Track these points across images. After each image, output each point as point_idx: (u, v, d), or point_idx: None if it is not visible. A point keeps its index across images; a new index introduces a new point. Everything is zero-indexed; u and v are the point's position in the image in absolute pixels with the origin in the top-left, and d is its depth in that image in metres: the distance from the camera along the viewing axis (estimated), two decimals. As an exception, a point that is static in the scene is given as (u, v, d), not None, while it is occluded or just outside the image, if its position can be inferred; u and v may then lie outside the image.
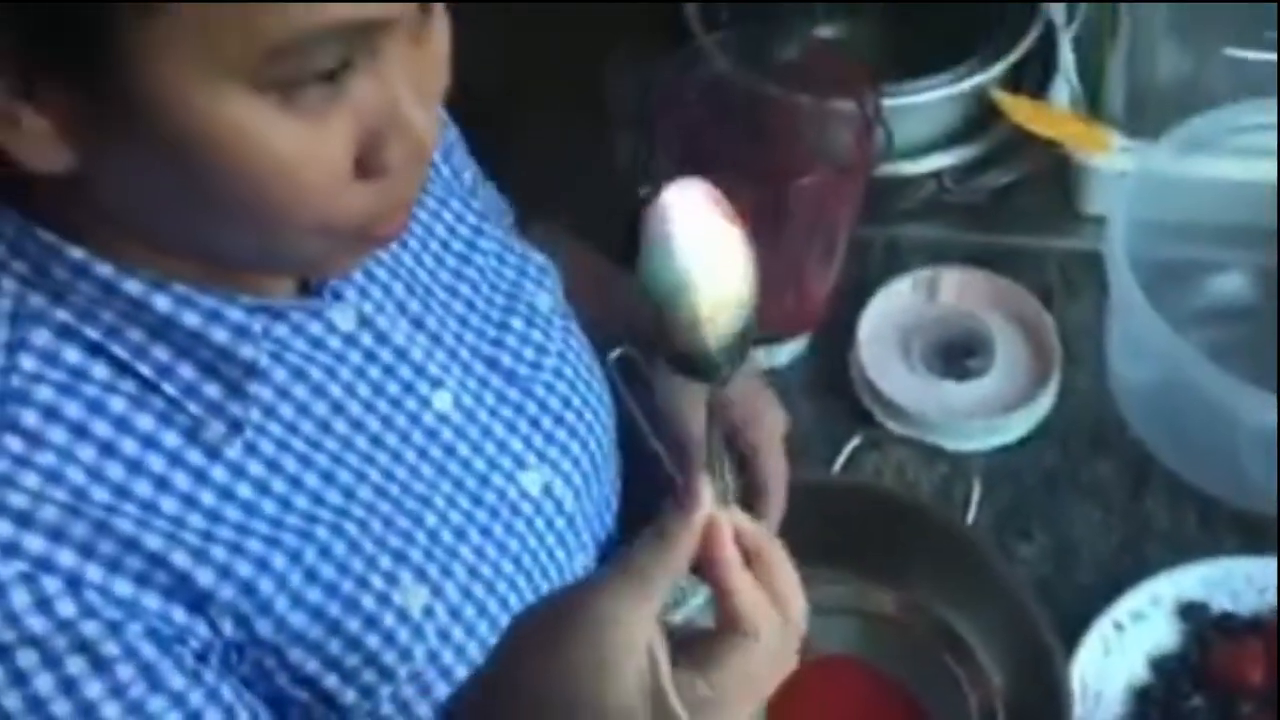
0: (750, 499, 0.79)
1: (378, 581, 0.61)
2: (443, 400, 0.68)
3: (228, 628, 0.57)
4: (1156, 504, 0.93)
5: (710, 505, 0.73)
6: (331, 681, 0.60)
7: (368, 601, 0.60)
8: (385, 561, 0.62)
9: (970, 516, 0.87)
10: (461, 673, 0.64)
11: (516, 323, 0.74)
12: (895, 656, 0.83)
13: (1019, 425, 0.97)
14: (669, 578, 0.52)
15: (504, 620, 0.67)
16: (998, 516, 0.93)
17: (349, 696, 0.60)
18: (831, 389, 1.01)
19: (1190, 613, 0.85)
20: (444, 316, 0.71)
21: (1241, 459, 0.92)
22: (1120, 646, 0.84)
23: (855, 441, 0.90)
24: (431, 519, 0.65)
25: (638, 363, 0.82)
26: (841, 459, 0.90)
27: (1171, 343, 0.84)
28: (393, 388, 0.66)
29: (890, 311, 1.02)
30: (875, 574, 0.83)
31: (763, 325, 0.54)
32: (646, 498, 0.81)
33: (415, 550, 0.63)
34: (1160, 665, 0.84)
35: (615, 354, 0.82)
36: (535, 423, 0.73)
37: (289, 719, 0.61)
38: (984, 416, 0.97)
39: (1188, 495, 0.93)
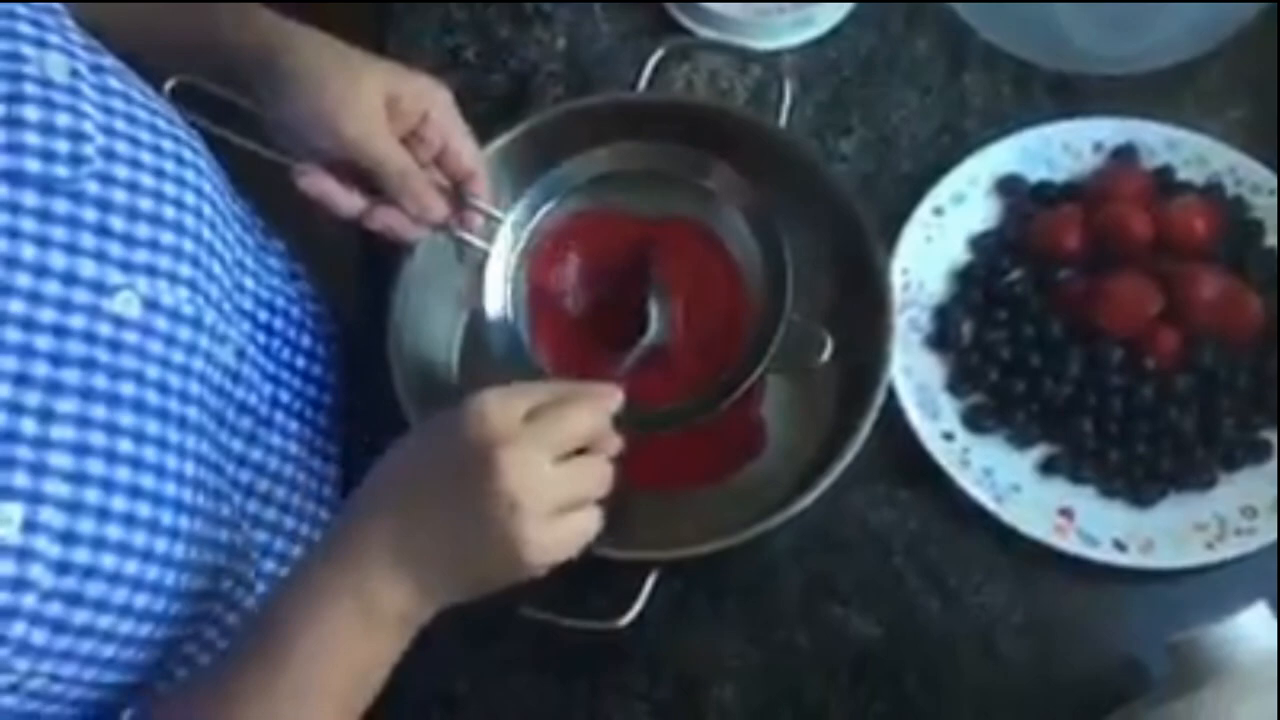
0: (458, 189, 0.74)
1: None
2: None
3: None
4: (974, 79, 0.90)
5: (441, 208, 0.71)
6: None
7: None
8: None
9: (785, 118, 0.83)
10: (110, 560, 0.58)
11: (30, 111, 0.59)
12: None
13: (831, 12, 0.92)
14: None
15: (151, 481, 0.61)
16: (817, 112, 0.90)
17: None
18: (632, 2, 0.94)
19: (1007, 186, 0.84)
20: None
21: (1060, 19, 0.89)
22: (941, 231, 0.83)
23: (660, 52, 0.85)
24: None
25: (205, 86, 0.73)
26: (646, 73, 0.84)
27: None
28: None
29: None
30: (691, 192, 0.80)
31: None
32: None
33: None
34: (979, 243, 0.83)
35: (171, 84, 0.72)
36: (103, 230, 0.61)
37: None
38: (795, 7, 0.91)
39: (1004, 65, 0.90)
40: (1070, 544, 0.75)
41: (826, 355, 0.72)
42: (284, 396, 0.77)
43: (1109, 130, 0.85)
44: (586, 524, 0.61)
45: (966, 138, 0.87)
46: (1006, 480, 0.77)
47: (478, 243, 0.76)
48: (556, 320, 0.78)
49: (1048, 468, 0.77)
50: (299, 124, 0.70)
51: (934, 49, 0.91)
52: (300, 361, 0.80)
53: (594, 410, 0.62)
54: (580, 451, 0.61)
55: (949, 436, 0.78)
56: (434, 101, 0.73)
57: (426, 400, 0.75)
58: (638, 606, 0.70)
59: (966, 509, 0.76)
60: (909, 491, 0.78)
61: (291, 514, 0.76)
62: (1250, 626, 0.63)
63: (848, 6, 0.92)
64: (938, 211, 0.83)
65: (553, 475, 0.59)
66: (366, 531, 0.59)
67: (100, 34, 0.68)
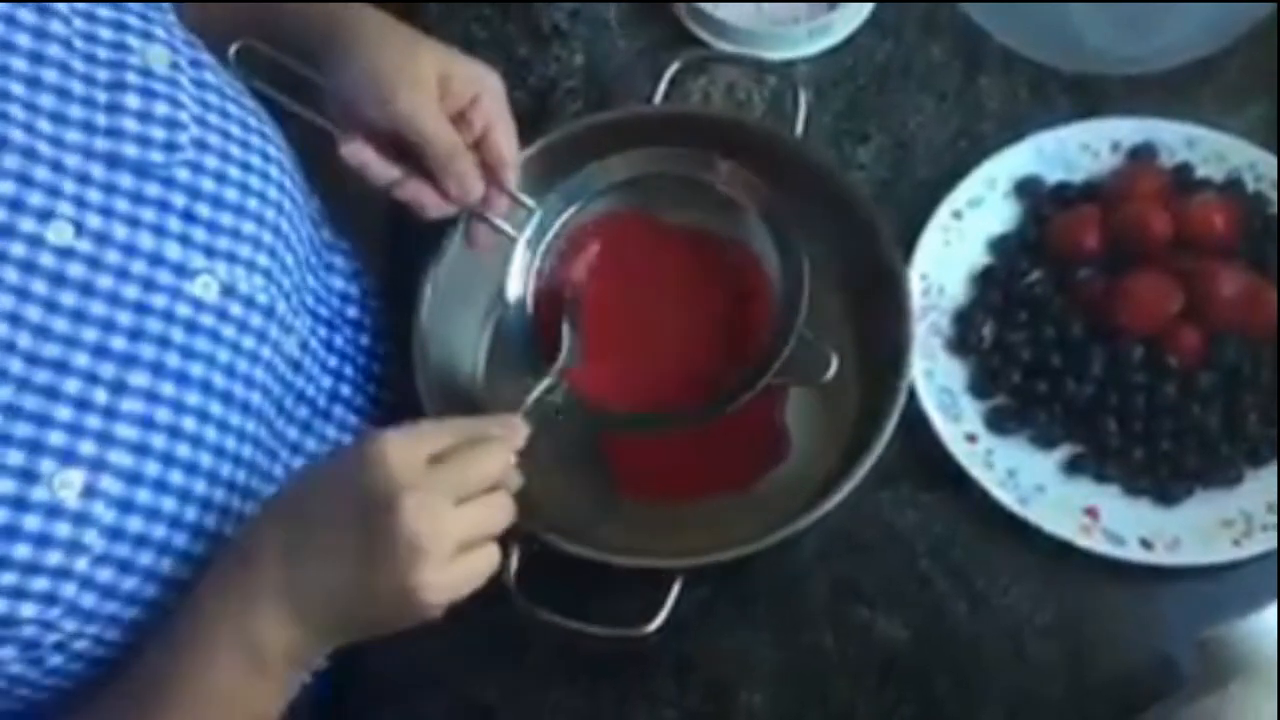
0: (492, 174, 0.74)
1: (6, 485, 0.55)
2: (60, 232, 0.59)
3: None
4: (990, 82, 0.90)
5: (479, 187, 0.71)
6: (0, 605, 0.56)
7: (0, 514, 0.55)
8: (15, 457, 0.56)
9: (802, 127, 0.84)
10: (161, 531, 0.60)
11: (131, 99, 0.63)
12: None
13: (847, 21, 0.93)
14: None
15: (209, 460, 0.62)
16: (835, 120, 0.91)
17: (28, 609, 0.56)
18: (649, 15, 0.95)
19: (1026, 189, 0.84)
20: (31, 120, 0.59)
21: (1074, 20, 0.89)
22: (960, 234, 0.83)
23: (675, 65, 0.85)
24: (74, 384, 0.58)
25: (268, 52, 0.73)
26: (663, 85, 0.85)
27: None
28: None
29: (701, -80, 0.95)
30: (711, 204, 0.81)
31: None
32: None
33: (54, 431, 0.57)
34: (999, 245, 0.83)
35: (235, 48, 0.73)
36: (190, 215, 0.64)
37: None
38: (810, 18, 0.92)
39: (1020, 68, 0.90)
40: (1096, 543, 0.74)
41: (831, 373, 0.71)
42: (344, 390, 0.79)
43: (1126, 130, 0.85)
44: (484, 562, 0.59)
45: (984, 141, 0.88)
46: (1031, 481, 0.77)
47: (506, 228, 0.76)
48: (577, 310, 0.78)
49: (1072, 468, 0.77)
50: (353, 93, 0.71)
51: (949, 54, 0.92)
52: (362, 359, 0.81)
53: (500, 452, 0.61)
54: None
55: (972, 439, 0.78)
56: (485, 87, 0.73)
57: (450, 406, 0.76)
58: (664, 613, 0.70)
59: (991, 510, 0.76)
60: (933, 494, 0.79)
61: None
62: (1273, 623, 0.63)
63: (863, 15, 0.93)
64: (956, 215, 0.84)
65: (455, 518, 0.57)
66: (257, 569, 0.58)
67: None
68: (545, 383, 0.70)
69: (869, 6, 0.93)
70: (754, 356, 0.72)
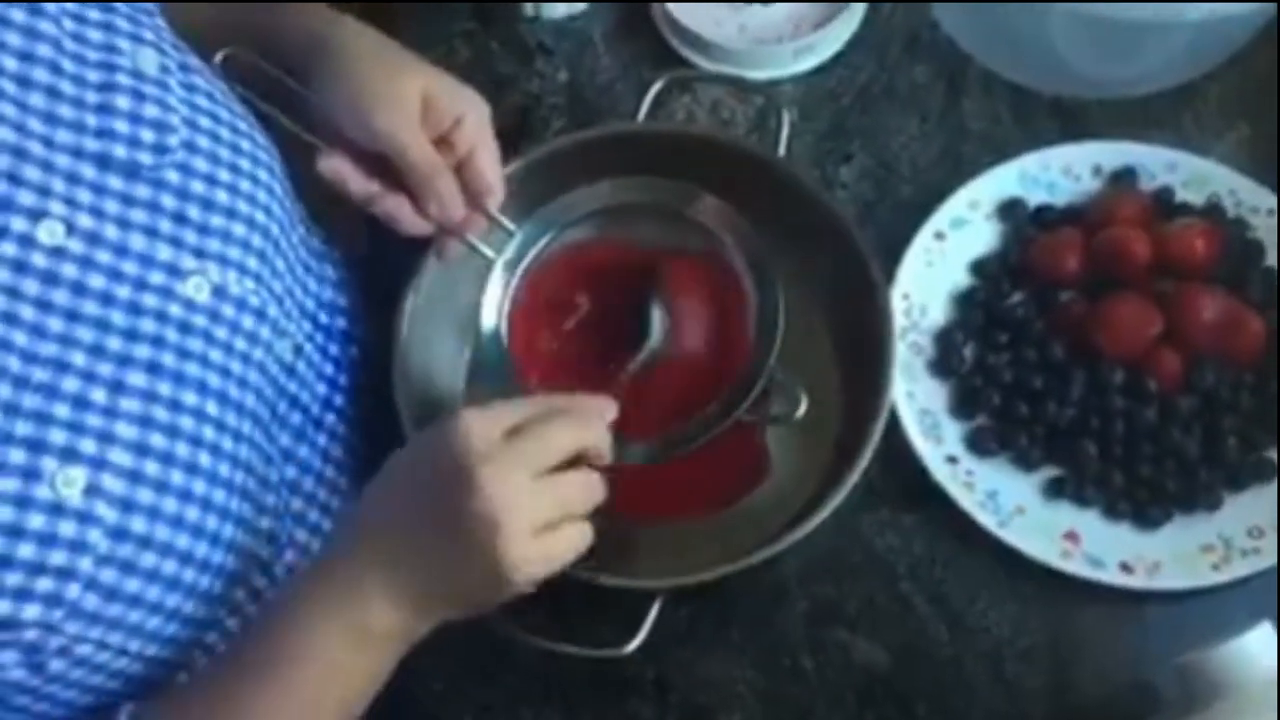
0: (474, 198, 0.74)
1: (9, 483, 0.55)
2: (51, 231, 0.59)
3: None
4: (973, 104, 0.91)
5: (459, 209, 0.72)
6: (2, 607, 0.55)
7: (2, 513, 0.55)
8: (16, 455, 0.56)
9: (785, 146, 0.84)
10: (164, 531, 0.60)
11: (121, 100, 0.63)
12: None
13: (832, 42, 0.93)
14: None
15: (207, 460, 0.62)
16: (818, 140, 0.91)
17: (31, 611, 0.56)
18: (634, 33, 0.95)
19: (1008, 211, 0.85)
20: (21, 118, 0.59)
21: (1055, 44, 0.89)
22: (942, 256, 0.84)
23: (659, 85, 0.85)
24: (72, 383, 0.58)
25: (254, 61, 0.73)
26: (646, 104, 0.85)
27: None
28: None
29: (686, -62, 0.95)
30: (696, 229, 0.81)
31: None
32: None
33: (55, 429, 0.57)
34: (981, 267, 0.84)
35: (221, 55, 0.73)
36: (180, 217, 0.64)
37: None
38: (795, 38, 0.92)
39: (1003, 91, 0.90)
40: (1076, 567, 0.74)
41: (801, 413, 0.71)
42: (338, 400, 0.79)
43: (1108, 153, 0.85)
44: (573, 540, 0.61)
45: (966, 163, 0.88)
46: (1011, 503, 0.77)
47: (484, 249, 0.76)
48: (548, 340, 0.78)
49: (1052, 490, 0.77)
50: (336, 109, 0.71)
51: (932, 76, 0.92)
52: (356, 369, 0.81)
53: (579, 425, 0.62)
54: (570, 464, 0.61)
55: (953, 460, 0.78)
56: (469, 110, 0.73)
57: (429, 417, 0.75)
58: (643, 634, 0.70)
59: (972, 532, 0.76)
60: (914, 516, 0.78)
61: (331, 517, 0.77)
62: (1255, 646, 0.63)
63: (847, 36, 0.93)
64: (938, 236, 0.84)
65: (533, 492, 0.59)
66: (360, 552, 0.60)
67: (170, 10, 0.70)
68: (641, 356, 0.72)
69: (853, 27, 0.93)
70: (728, 388, 0.72)
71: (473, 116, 0.73)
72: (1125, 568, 0.74)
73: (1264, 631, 0.64)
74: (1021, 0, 0.81)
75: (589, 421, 0.63)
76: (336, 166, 0.72)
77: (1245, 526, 0.75)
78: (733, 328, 0.75)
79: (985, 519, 0.76)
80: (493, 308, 0.75)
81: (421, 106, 0.71)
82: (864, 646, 0.76)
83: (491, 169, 0.74)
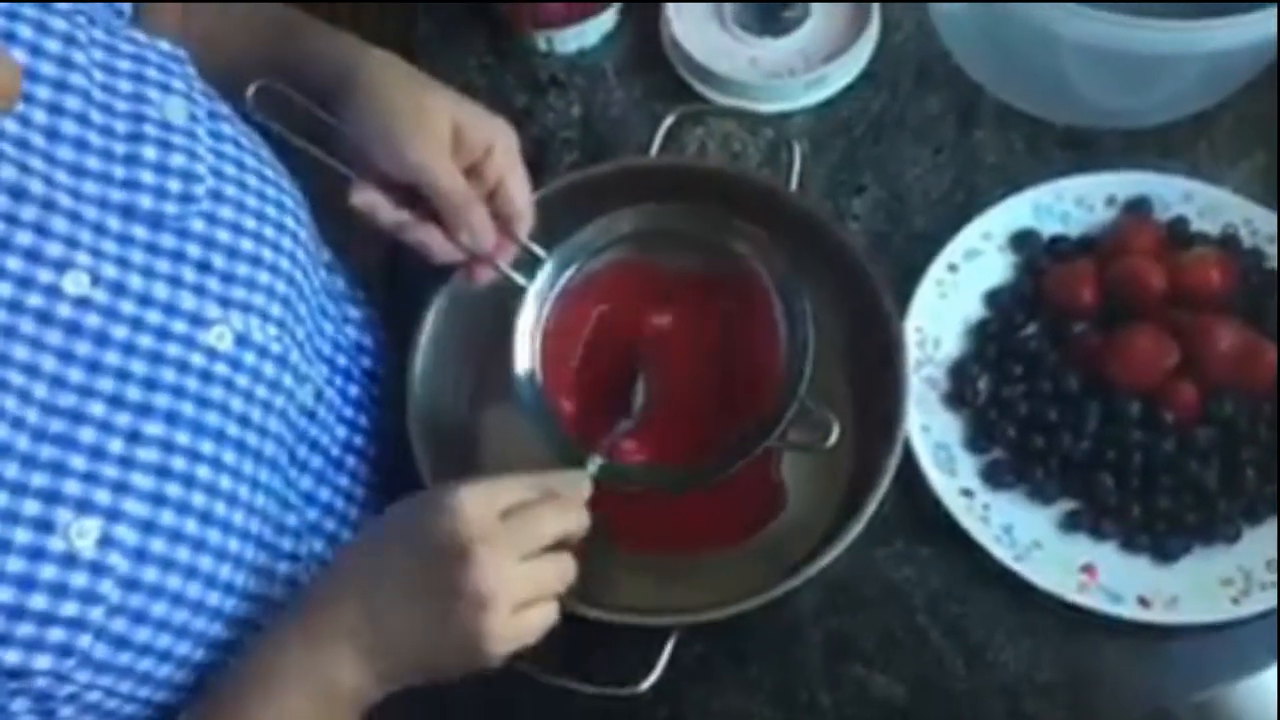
0: (505, 225, 0.74)
1: (23, 535, 0.55)
2: (76, 282, 0.59)
3: None
4: (986, 135, 0.90)
5: (491, 237, 0.72)
6: (14, 657, 0.56)
7: (15, 564, 0.55)
8: (31, 507, 0.56)
9: (797, 179, 0.84)
10: (176, 581, 0.60)
11: (148, 151, 0.64)
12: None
13: (843, 74, 0.93)
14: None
15: (223, 509, 0.63)
16: (830, 172, 0.91)
17: (43, 661, 0.56)
18: (646, 67, 0.96)
19: (1021, 242, 0.84)
20: (49, 171, 0.60)
21: (1067, 74, 0.89)
22: (955, 287, 0.83)
23: (670, 119, 0.86)
24: (89, 434, 0.59)
25: (286, 93, 0.73)
26: (659, 138, 0.85)
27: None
28: (4, 289, 0.57)
29: (697, -28, 0.96)
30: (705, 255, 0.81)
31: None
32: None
33: (70, 480, 0.57)
34: (994, 299, 0.83)
35: (253, 88, 0.72)
36: (204, 266, 0.65)
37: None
38: (806, 71, 0.92)
39: (1015, 122, 0.90)
40: (1094, 600, 0.74)
41: (833, 441, 0.71)
42: (358, 441, 0.79)
43: (1122, 183, 0.85)
44: (545, 618, 0.62)
45: (979, 194, 0.88)
46: (1027, 537, 0.76)
47: (517, 277, 0.76)
48: (578, 366, 0.79)
49: (1068, 524, 0.77)
50: (367, 141, 0.71)
51: (945, 107, 0.92)
52: (376, 411, 0.81)
53: (565, 510, 0.63)
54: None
55: (968, 493, 0.78)
56: (498, 139, 0.73)
57: (441, 467, 0.76)
58: (658, 670, 0.70)
59: (988, 566, 0.76)
60: (929, 549, 0.78)
61: None
62: (1273, 684, 0.62)
63: (859, 68, 0.93)
64: (952, 268, 0.84)
65: (522, 573, 0.60)
66: (334, 612, 0.60)
67: (197, 44, 0.70)
68: (623, 425, 0.72)
69: (864, 59, 0.94)
70: (757, 417, 0.72)
71: (502, 144, 0.73)
72: (1143, 602, 0.74)
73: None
74: (1026, 18, 0.82)
75: (573, 505, 0.64)
76: (369, 199, 0.72)
77: (1265, 559, 0.74)
78: (761, 356, 0.75)
79: (1001, 553, 0.75)
80: (525, 335, 0.75)
81: (452, 137, 0.71)
82: (881, 681, 0.75)
83: (521, 195, 0.74)
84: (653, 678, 0.70)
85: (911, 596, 0.77)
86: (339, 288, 0.82)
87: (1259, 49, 0.80)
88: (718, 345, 0.79)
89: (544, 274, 0.76)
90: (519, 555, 0.59)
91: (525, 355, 0.75)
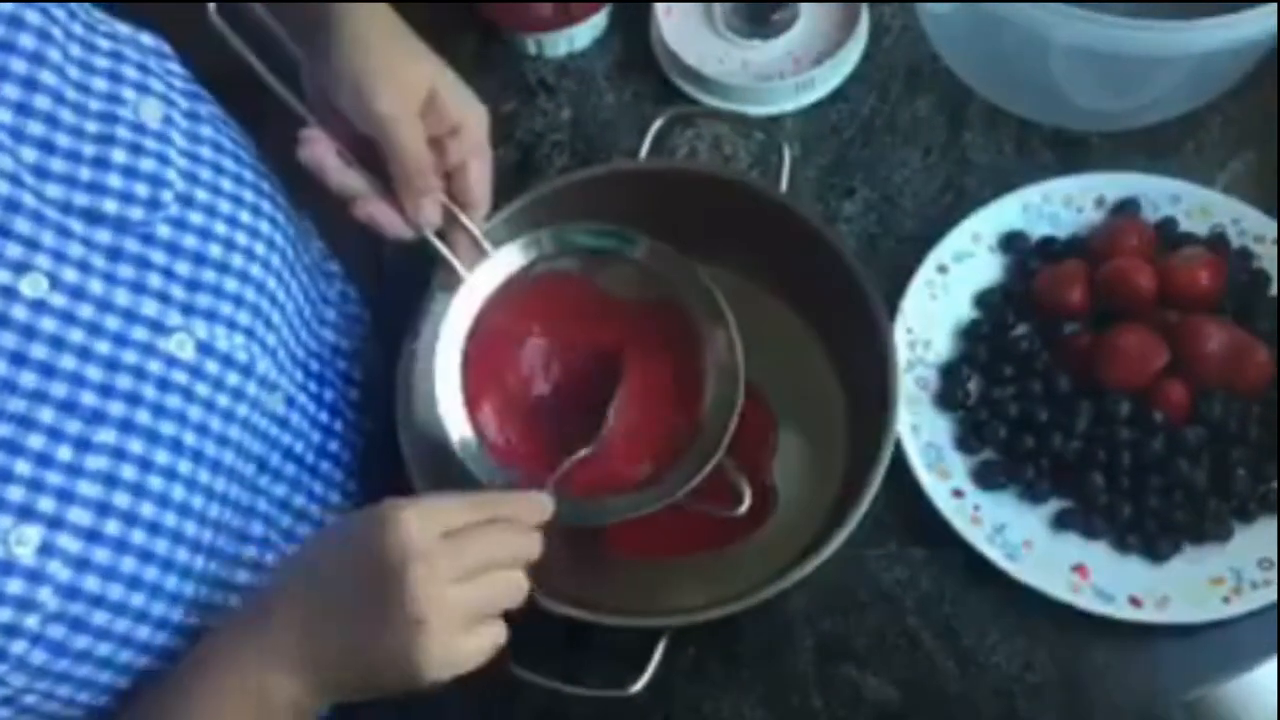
0: (461, 209, 0.72)
1: None
2: (34, 285, 0.58)
3: None
4: (975, 137, 0.91)
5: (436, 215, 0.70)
6: None
7: None
8: None
9: (787, 181, 0.84)
10: (118, 591, 0.59)
11: (118, 154, 0.62)
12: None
13: (832, 76, 0.93)
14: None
15: (173, 519, 0.61)
16: (820, 174, 0.91)
17: None
18: (636, 70, 0.96)
19: (1011, 243, 0.85)
20: (15, 170, 0.58)
21: (1056, 76, 0.89)
22: (945, 289, 0.83)
23: (660, 122, 0.86)
24: (37, 440, 0.57)
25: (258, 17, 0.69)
26: (648, 141, 0.85)
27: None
28: None
29: (686, -25, 0.96)
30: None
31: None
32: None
33: (13, 486, 0.56)
34: (984, 300, 0.83)
35: (213, 4, 0.67)
36: (169, 272, 0.63)
37: None
38: (796, 73, 0.93)
39: (1005, 124, 0.90)
40: (1085, 600, 0.74)
41: (743, 509, 0.71)
42: (332, 445, 0.78)
43: (1111, 185, 0.85)
44: (492, 639, 0.60)
45: (969, 196, 0.88)
46: (1018, 537, 0.76)
47: (458, 266, 0.73)
48: (508, 376, 0.77)
49: (1060, 524, 0.77)
50: (338, 84, 0.67)
51: (934, 109, 0.92)
52: (351, 414, 0.80)
53: (516, 535, 0.61)
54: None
55: (959, 494, 0.78)
56: (470, 116, 0.71)
57: (434, 469, 0.75)
58: (649, 673, 0.70)
59: (979, 567, 0.76)
60: (921, 550, 0.78)
61: None
62: (1264, 682, 0.62)
63: (848, 70, 0.93)
64: (942, 270, 0.84)
65: (459, 595, 0.58)
66: (272, 621, 0.59)
67: None
68: (581, 453, 0.71)
69: (854, 62, 0.94)
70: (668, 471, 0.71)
71: (474, 124, 0.71)
72: (1134, 601, 0.74)
73: (1273, 668, 0.63)
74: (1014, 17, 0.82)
75: (525, 530, 0.62)
76: (318, 156, 0.69)
77: (1256, 558, 0.74)
78: (684, 401, 0.75)
79: (993, 553, 0.75)
80: (453, 331, 0.73)
81: (426, 100, 0.68)
82: (873, 683, 0.75)
83: (481, 184, 0.72)
84: (644, 680, 0.70)
85: (903, 598, 0.77)
86: (319, 289, 0.81)
87: (1246, 50, 0.80)
88: (669, 376, 0.77)
89: (484, 267, 0.73)
90: (456, 576, 0.58)
91: (458, 421, 0.72)
